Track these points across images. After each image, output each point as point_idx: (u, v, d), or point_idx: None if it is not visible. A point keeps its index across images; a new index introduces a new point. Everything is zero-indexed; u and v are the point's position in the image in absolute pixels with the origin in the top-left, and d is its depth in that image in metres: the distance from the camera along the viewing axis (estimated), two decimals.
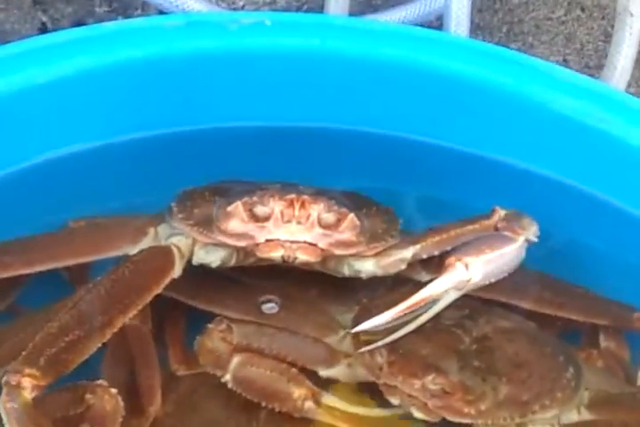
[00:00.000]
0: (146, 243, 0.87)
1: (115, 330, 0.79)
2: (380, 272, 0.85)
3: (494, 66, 0.96)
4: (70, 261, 0.87)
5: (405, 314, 0.80)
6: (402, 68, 0.98)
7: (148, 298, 0.82)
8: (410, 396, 0.78)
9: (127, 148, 1.00)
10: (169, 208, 0.88)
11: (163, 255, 0.85)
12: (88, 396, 0.75)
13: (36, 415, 0.71)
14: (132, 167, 1.01)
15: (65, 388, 0.77)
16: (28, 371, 0.72)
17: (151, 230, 0.88)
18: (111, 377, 0.82)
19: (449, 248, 0.83)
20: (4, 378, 0.72)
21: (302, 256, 0.81)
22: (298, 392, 0.81)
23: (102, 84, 0.95)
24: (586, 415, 0.80)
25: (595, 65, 1.33)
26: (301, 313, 0.88)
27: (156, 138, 1.00)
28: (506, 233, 0.83)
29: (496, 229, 0.85)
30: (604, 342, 0.90)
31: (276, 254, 0.82)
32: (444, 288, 0.79)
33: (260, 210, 0.81)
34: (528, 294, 0.88)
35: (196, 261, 0.86)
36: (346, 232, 0.82)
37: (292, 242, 0.81)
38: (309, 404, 0.81)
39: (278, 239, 0.81)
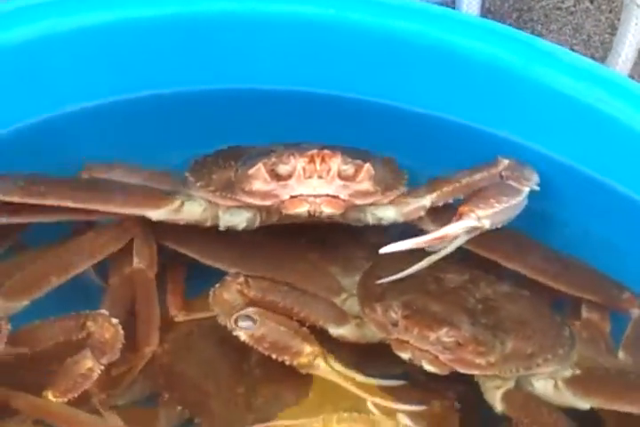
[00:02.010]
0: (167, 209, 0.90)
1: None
2: (401, 219, 0.90)
3: (503, 44, 0.99)
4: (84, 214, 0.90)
5: None
6: (412, 42, 1.01)
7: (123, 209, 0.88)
8: (421, 350, 0.83)
9: (130, 107, 1.01)
10: (184, 178, 0.91)
11: (160, 195, 0.89)
12: (89, 323, 0.79)
13: None
14: (135, 126, 1.02)
15: (68, 316, 0.81)
16: None
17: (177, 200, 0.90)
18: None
19: (462, 196, 0.89)
20: None
21: (327, 209, 0.85)
22: (310, 349, 0.84)
23: (109, 40, 0.96)
24: (578, 373, 0.86)
25: (600, 57, 1.36)
26: (305, 274, 0.91)
27: (160, 97, 1.01)
28: (512, 183, 0.89)
29: (501, 176, 0.90)
30: (586, 313, 0.93)
31: (302, 210, 0.85)
32: (458, 230, 0.84)
33: (282, 169, 0.84)
34: (527, 260, 0.92)
35: (223, 224, 0.89)
36: (363, 182, 0.85)
37: (315, 196, 0.84)
38: (319, 361, 0.85)
39: (302, 195, 0.84)
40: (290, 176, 0.84)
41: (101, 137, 1.01)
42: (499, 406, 0.85)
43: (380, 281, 0.87)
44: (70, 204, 0.88)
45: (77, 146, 1.00)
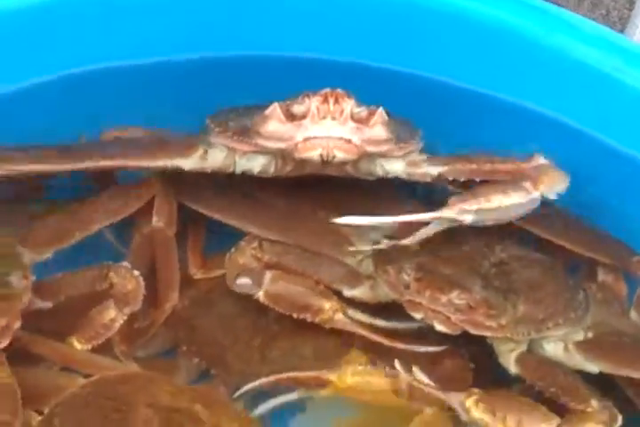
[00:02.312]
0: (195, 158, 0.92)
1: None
2: (405, 177, 0.91)
3: (520, 11, 1.00)
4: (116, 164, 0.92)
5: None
6: (429, 8, 1.02)
7: (152, 163, 0.89)
8: (434, 311, 0.84)
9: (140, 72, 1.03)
10: (205, 126, 0.92)
11: (187, 144, 0.90)
12: (112, 274, 0.82)
13: None
14: (143, 94, 1.04)
15: (91, 267, 0.83)
16: None
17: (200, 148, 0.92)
18: None
19: (477, 179, 0.88)
20: None
21: (339, 154, 0.86)
22: (329, 305, 0.86)
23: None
24: (591, 336, 0.87)
25: (618, 31, 1.36)
26: (320, 236, 0.93)
27: (172, 64, 1.04)
28: (525, 184, 0.86)
29: (523, 174, 0.88)
30: (601, 276, 0.95)
31: (315, 153, 0.85)
32: (433, 217, 0.86)
33: (296, 108, 0.85)
34: (541, 221, 0.92)
35: (239, 169, 0.91)
36: (376, 127, 0.86)
37: (329, 139, 0.85)
38: (339, 315, 0.87)
39: (315, 137, 0.85)
40: (304, 116, 0.85)
41: (104, 104, 1.03)
42: (513, 369, 0.86)
43: (391, 242, 0.88)
44: (104, 162, 0.90)
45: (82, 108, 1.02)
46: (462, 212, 0.85)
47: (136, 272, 0.84)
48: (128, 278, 0.82)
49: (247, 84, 1.04)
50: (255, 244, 0.89)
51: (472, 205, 0.84)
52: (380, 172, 0.91)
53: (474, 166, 0.89)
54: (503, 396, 0.83)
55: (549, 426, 0.80)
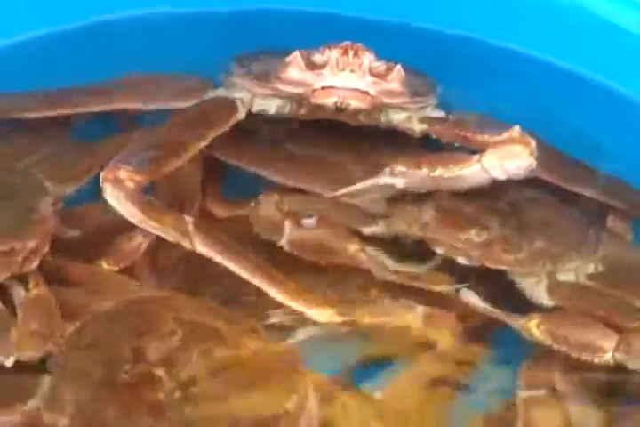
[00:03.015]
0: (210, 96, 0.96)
1: (192, 153, 0.88)
2: (399, 127, 0.94)
3: None
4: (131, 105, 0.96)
5: None
6: None
7: (218, 131, 0.91)
8: (453, 247, 0.87)
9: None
10: (228, 69, 0.96)
11: (227, 102, 0.94)
12: None
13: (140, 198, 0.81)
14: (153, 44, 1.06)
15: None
16: (123, 167, 0.82)
17: (209, 92, 0.96)
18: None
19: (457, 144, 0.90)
20: (102, 175, 0.82)
21: (354, 103, 0.89)
22: (352, 247, 0.89)
23: None
24: (601, 269, 0.91)
25: None
26: (339, 181, 0.94)
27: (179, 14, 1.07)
28: (474, 156, 0.86)
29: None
30: (610, 222, 0.97)
31: (330, 100, 0.89)
32: (369, 185, 0.89)
33: (317, 58, 0.89)
34: (551, 166, 0.94)
35: (255, 109, 0.95)
36: (393, 82, 0.90)
37: (345, 89, 0.89)
38: (363, 255, 0.89)
39: (333, 86, 0.89)
40: (324, 66, 0.89)
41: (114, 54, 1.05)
42: (548, 301, 0.88)
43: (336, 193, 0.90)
44: (120, 104, 0.94)
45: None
46: (394, 175, 0.87)
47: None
48: None
49: (265, 36, 1.06)
50: (275, 196, 0.91)
51: (402, 168, 0.87)
52: (385, 121, 0.95)
53: (461, 133, 0.90)
54: (562, 316, 0.85)
55: (608, 343, 0.82)
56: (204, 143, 0.90)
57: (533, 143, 0.84)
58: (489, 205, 0.90)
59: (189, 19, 1.08)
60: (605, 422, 0.82)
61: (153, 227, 0.83)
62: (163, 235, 0.83)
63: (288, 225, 0.89)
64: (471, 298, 0.87)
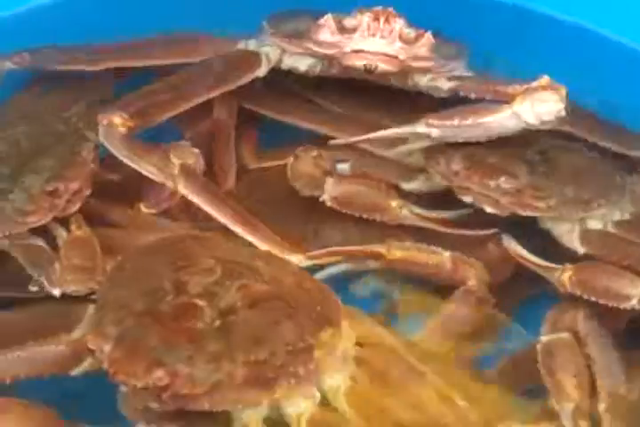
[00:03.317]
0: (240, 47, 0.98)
1: (192, 104, 0.92)
2: (424, 89, 0.96)
3: None
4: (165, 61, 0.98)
5: None
6: None
7: (233, 85, 0.94)
8: (483, 195, 0.90)
9: None
10: (260, 26, 0.98)
11: (252, 56, 0.97)
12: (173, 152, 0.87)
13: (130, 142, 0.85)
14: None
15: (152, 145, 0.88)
16: (119, 112, 0.86)
17: (241, 42, 0.99)
18: None
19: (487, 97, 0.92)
20: (99, 118, 0.86)
21: (383, 66, 0.92)
22: (395, 203, 0.91)
23: None
24: (627, 217, 0.93)
25: None
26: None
27: None
28: (503, 104, 0.88)
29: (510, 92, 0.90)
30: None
31: (360, 63, 0.92)
32: (407, 132, 0.92)
33: (348, 22, 0.92)
34: (576, 121, 0.96)
35: (285, 65, 0.97)
36: (422, 48, 0.92)
37: (375, 53, 0.91)
38: (405, 212, 0.92)
39: (363, 50, 0.91)
40: (354, 30, 0.91)
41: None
42: (581, 248, 0.91)
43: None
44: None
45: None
46: (429, 125, 0.90)
47: (195, 150, 0.88)
48: (187, 154, 0.87)
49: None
50: (314, 151, 0.93)
51: (436, 120, 0.89)
52: (411, 83, 0.97)
53: (482, 86, 0.93)
54: (593, 267, 0.88)
55: (635, 290, 0.84)
56: (214, 94, 0.93)
57: (563, 89, 0.87)
58: (517, 154, 0.92)
59: None
60: (625, 366, 0.83)
61: (142, 167, 0.86)
62: (151, 176, 0.87)
63: (329, 181, 0.92)
64: (512, 243, 0.90)
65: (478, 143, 0.92)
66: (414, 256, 0.87)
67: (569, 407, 0.79)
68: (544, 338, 0.84)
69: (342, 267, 0.90)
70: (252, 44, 0.99)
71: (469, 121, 0.88)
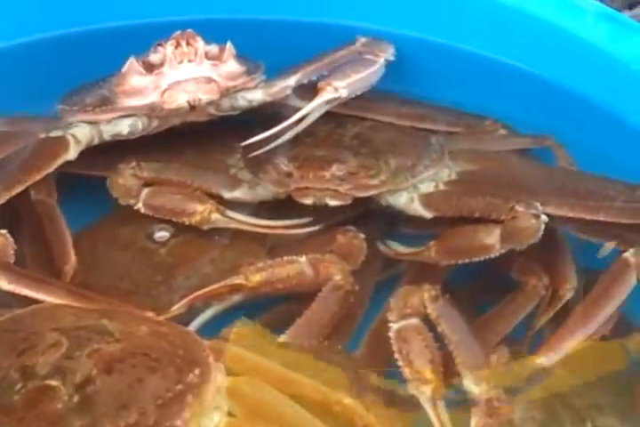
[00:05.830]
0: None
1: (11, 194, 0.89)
2: (269, 99, 0.98)
3: None
4: None
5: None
6: None
7: (43, 174, 0.91)
8: (321, 190, 0.91)
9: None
10: (59, 111, 0.97)
11: (58, 143, 0.94)
12: None
13: None
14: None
15: None
16: None
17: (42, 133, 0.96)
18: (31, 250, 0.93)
19: (325, 73, 0.97)
20: None
21: (204, 96, 0.92)
22: (202, 207, 0.92)
23: None
24: (454, 176, 0.96)
25: None
26: (195, 161, 0.98)
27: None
28: (368, 57, 1.00)
29: (360, 53, 1.00)
30: None
31: (182, 101, 0.92)
32: (318, 104, 0.94)
33: (153, 58, 0.92)
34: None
35: (107, 136, 0.96)
36: (230, 61, 0.94)
37: (190, 81, 0.91)
38: (216, 215, 0.92)
39: (178, 81, 0.91)
40: (162, 64, 0.91)
41: None
42: (427, 213, 0.93)
43: (259, 152, 0.94)
44: None
45: None
46: (337, 89, 0.94)
47: (3, 231, 0.85)
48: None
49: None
50: (133, 164, 0.94)
51: (344, 79, 0.95)
52: (243, 103, 0.98)
53: (318, 64, 0.98)
54: (448, 234, 0.90)
55: (493, 238, 0.86)
56: (24, 186, 0.90)
57: None
58: (337, 144, 0.95)
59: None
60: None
61: None
62: None
63: (145, 190, 0.93)
64: (388, 247, 0.94)
65: (298, 145, 0.95)
66: (273, 273, 0.86)
67: (427, 390, 0.77)
68: (395, 326, 0.81)
69: (210, 312, 0.87)
70: (56, 131, 0.96)
71: (362, 73, 0.96)
